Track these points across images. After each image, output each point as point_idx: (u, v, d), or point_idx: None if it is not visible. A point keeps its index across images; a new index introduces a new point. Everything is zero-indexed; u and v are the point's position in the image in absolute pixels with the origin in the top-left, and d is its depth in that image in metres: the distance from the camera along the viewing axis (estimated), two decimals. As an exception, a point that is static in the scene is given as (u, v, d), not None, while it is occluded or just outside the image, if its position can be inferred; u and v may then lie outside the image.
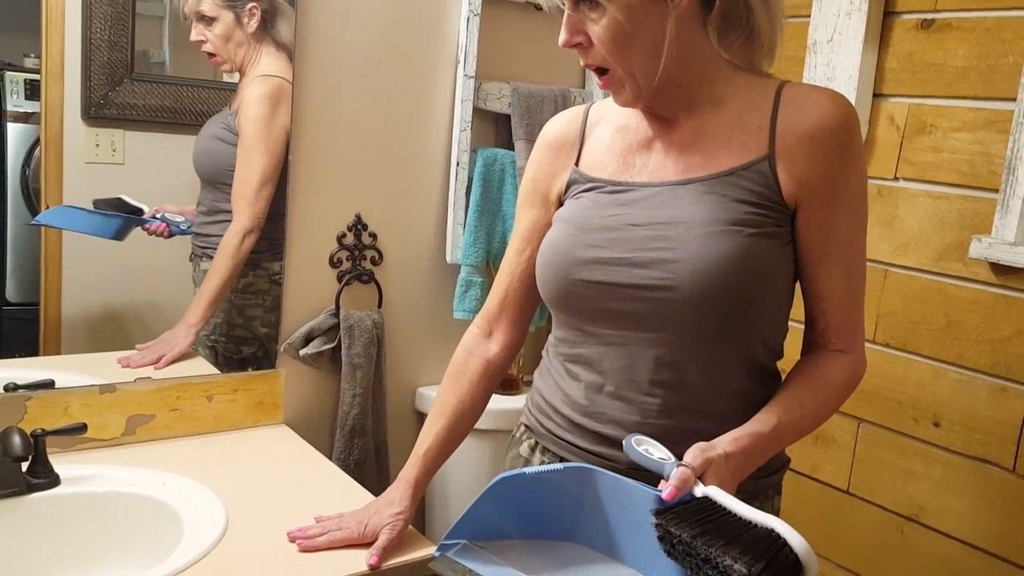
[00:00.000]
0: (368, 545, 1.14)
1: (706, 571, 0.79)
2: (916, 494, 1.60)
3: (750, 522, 0.81)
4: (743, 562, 0.76)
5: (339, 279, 1.69)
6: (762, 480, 1.01)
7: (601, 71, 0.98)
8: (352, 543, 1.15)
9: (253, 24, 1.50)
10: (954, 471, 1.55)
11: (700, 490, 0.84)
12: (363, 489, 1.37)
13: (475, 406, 1.18)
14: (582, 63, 0.99)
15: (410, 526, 1.22)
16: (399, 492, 1.17)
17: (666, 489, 0.84)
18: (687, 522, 0.81)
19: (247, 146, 1.53)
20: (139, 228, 1.49)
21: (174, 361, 1.51)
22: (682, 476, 0.84)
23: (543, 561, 0.91)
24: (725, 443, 0.91)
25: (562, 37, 0.96)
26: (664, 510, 0.83)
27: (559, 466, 0.95)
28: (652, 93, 0.98)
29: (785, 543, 0.78)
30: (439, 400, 1.20)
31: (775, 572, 0.76)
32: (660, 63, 0.94)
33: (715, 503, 0.83)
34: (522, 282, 1.15)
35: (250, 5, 1.49)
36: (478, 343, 1.20)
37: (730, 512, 0.82)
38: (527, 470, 0.94)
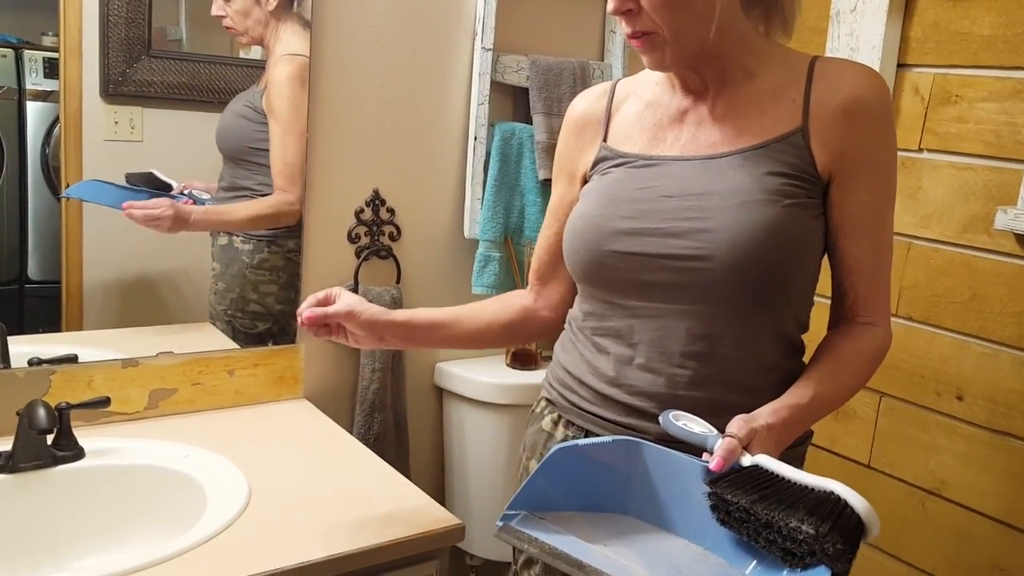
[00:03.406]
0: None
1: (766, 536, 0.79)
2: (938, 468, 1.59)
3: (807, 486, 0.81)
4: (809, 523, 0.76)
5: (357, 255, 1.69)
6: (788, 451, 1.01)
7: (640, 35, 0.96)
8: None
9: (272, 2, 1.49)
10: (977, 445, 1.53)
11: (748, 459, 0.85)
12: (383, 462, 1.38)
13: (495, 320, 1.17)
14: (627, 31, 0.96)
15: (430, 498, 1.22)
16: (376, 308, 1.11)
17: (713, 460, 0.84)
18: (742, 489, 0.82)
19: (285, 128, 1.55)
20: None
21: (172, 225, 1.49)
22: (729, 446, 0.85)
23: (601, 532, 0.91)
24: (766, 414, 0.91)
25: (612, 4, 0.94)
26: (716, 479, 0.84)
27: (608, 439, 0.96)
28: (690, 59, 0.97)
29: (846, 504, 0.79)
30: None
31: (840, 532, 0.76)
32: (712, 27, 0.94)
33: (766, 471, 0.84)
34: (552, 254, 1.16)
35: None
36: (524, 294, 1.21)
37: (784, 478, 0.83)
38: (580, 442, 0.95)
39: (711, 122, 1.00)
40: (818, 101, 0.96)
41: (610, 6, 0.95)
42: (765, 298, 0.96)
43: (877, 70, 1.56)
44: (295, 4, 1.53)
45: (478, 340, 1.18)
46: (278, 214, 1.58)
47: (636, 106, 1.07)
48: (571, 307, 1.13)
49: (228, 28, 1.50)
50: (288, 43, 1.53)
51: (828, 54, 1.64)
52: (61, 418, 1.25)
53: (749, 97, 0.99)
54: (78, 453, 1.26)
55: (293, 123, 1.55)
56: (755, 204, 0.93)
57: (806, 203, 0.96)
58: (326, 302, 1.08)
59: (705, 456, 0.87)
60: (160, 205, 1.47)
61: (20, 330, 1.42)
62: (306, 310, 1.07)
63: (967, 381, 1.54)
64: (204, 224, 1.55)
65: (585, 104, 1.13)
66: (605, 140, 1.08)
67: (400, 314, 1.12)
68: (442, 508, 1.23)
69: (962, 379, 1.55)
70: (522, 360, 1.83)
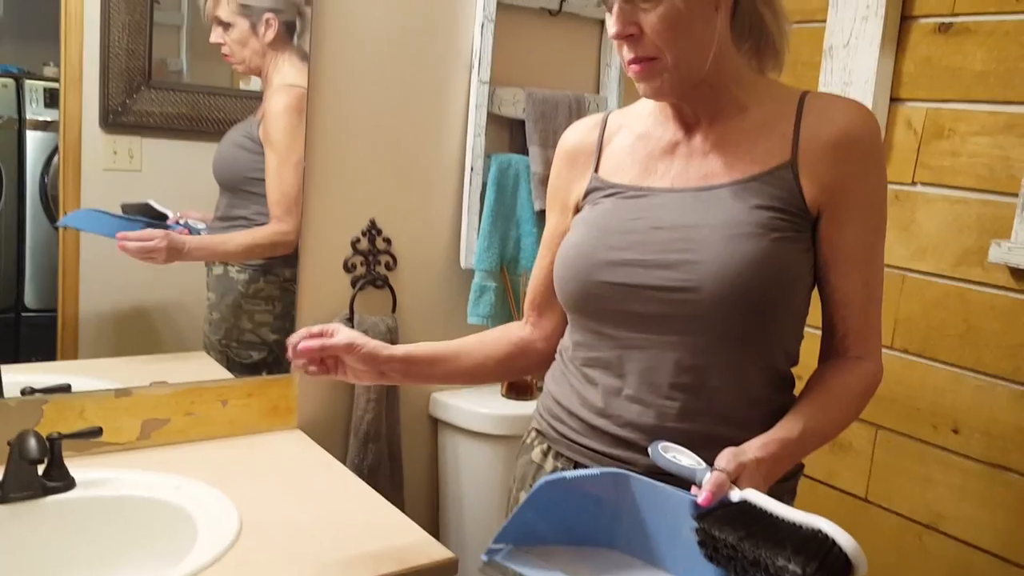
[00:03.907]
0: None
1: (753, 573, 0.78)
2: (935, 501, 1.58)
3: (795, 523, 0.81)
4: (796, 562, 0.76)
5: (353, 284, 1.69)
6: (779, 485, 1.00)
7: (641, 60, 0.96)
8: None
9: (270, 35, 1.51)
10: (973, 478, 1.53)
11: (737, 494, 0.84)
12: (376, 494, 1.37)
13: (492, 355, 1.17)
14: (629, 56, 0.96)
15: (424, 532, 1.22)
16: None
17: (701, 494, 0.84)
18: (730, 525, 0.81)
19: (282, 157, 1.55)
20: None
21: (167, 256, 1.49)
22: (717, 480, 0.84)
23: (588, 566, 0.91)
24: (755, 448, 0.90)
25: (615, 28, 0.94)
26: (704, 514, 0.83)
27: (596, 471, 0.95)
28: (687, 88, 0.98)
29: (834, 543, 0.78)
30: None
31: (827, 572, 0.76)
32: (710, 55, 0.95)
33: (755, 506, 0.83)
34: (546, 285, 1.16)
35: (266, 16, 1.50)
36: (519, 326, 1.22)
37: (773, 515, 0.82)
38: (567, 474, 0.94)
39: (702, 155, 1.01)
40: (807, 136, 0.97)
41: (612, 30, 0.95)
42: (753, 330, 0.96)
43: (870, 104, 1.58)
44: (294, 37, 1.54)
45: (477, 376, 1.18)
46: (274, 244, 1.59)
47: (628, 138, 1.08)
48: (561, 337, 1.14)
49: (226, 56, 1.51)
50: (286, 74, 1.54)
51: (822, 88, 1.66)
52: (52, 448, 1.24)
53: (740, 131, 1.00)
54: (69, 484, 1.25)
55: (290, 153, 1.56)
56: (743, 237, 0.94)
57: (794, 237, 0.96)
58: (321, 337, 1.07)
59: (693, 490, 0.86)
60: (154, 236, 1.47)
61: (15, 358, 1.42)
62: (300, 342, 1.04)
63: (963, 414, 1.54)
64: (199, 254, 1.56)
65: (577, 135, 1.14)
66: (597, 171, 1.09)
67: (400, 349, 1.11)
68: (435, 542, 1.22)
69: (958, 412, 1.54)
70: (518, 390, 1.83)
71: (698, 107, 1.01)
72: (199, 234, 1.53)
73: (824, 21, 1.67)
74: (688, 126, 1.03)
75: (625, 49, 0.96)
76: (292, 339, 1.06)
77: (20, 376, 1.39)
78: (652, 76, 0.97)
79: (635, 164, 1.06)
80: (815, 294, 1.04)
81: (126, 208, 1.46)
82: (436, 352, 1.14)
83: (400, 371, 1.10)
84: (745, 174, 0.98)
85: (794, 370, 1.05)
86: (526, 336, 1.20)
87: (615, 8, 0.94)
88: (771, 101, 1.01)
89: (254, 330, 1.61)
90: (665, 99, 1.02)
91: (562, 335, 1.15)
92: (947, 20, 1.54)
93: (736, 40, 1.01)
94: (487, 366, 1.17)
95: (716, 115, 1.01)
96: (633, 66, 0.97)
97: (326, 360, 1.07)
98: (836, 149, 0.96)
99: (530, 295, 1.21)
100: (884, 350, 1.63)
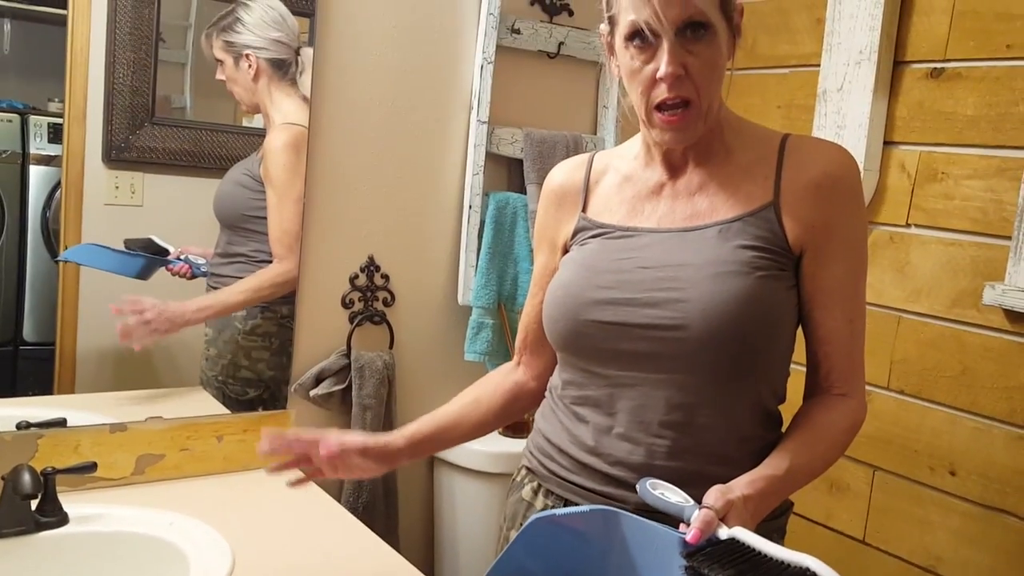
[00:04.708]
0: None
1: None
2: (933, 544, 1.57)
3: (782, 561, 0.81)
4: None
5: (351, 320, 1.70)
6: (767, 523, 1.00)
7: (677, 105, 0.95)
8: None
9: (250, 72, 1.53)
10: (971, 521, 1.52)
11: (725, 532, 0.84)
12: (371, 532, 1.36)
13: (490, 409, 1.18)
14: (667, 95, 0.94)
15: (418, 572, 1.21)
16: (382, 437, 1.11)
17: (690, 532, 0.84)
18: (718, 563, 0.81)
19: (281, 194, 1.57)
20: (163, 269, 1.51)
21: (158, 331, 1.50)
22: (705, 518, 0.84)
23: None
24: (742, 486, 0.91)
25: (666, 68, 0.92)
26: (692, 552, 0.83)
27: (585, 508, 0.95)
28: (703, 132, 1.00)
29: None
30: (458, 396, 1.19)
31: None
32: (721, 99, 0.99)
33: (743, 544, 0.83)
34: (537, 323, 1.16)
35: (246, 51, 1.52)
36: (510, 369, 1.22)
37: (760, 553, 0.82)
38: (557, 511, 0.94)
39: (687, 196, 1.03)
40: (789, 178, 0.99)
41: (663, 70, 0.92)
42: (740, 368, 0.97)
43: (864, 147, 1.60)
44: (289, 74, 1.56)
45: (480, 432, 1.19)
46: (278, 285, 1.59)
47: (614, 178, 1.10)
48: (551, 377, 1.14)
49: (231, 92, 1.54)
50: (286, 112, 1.56)
51: (815, 132, 1.68)
52: (46, 483, 1.24)
53: (724, 173, 1.02)
54: (62, 519, 1.25)
55: (289, 190, 1.57)
56: (728, 275, 0.95)
57: (778, 275, 0.98)
58: (313, 446, 1.06)
59: (682, 527, 0.86)
60: (143, 307, 1.47)
61: (12, 392, 1.43)
62: (323, 448, 1.04)
63: (960, 456, 1.53)
64: (203, 315, 1.56)
65: (562, 175, 1.15)
66: (584, 211, 1.10)
67: (404, 435, 1.12)
68: (429, 581, 1.21)
69: (955, 454, 1.54)
70: (515, 428, 1.82)
71: (692, 150, 1.03)
72: (200, 269, 1.54)
73: (818, 65, 1.69)
74: (674, 168, 1.05)
75: (661, 88, 0.94)
76: (280, 443, 1.05)
77: (16, 410, 1.39)
78: (687, 124, 0.96)
79: (622, 205, 1.07)
80: (800, 331, 1.05)
81: (129, 243, 1.47)
82: (438, 425, 1.15)
83: (408, 456, 1.12)
84: (730, 215, 1.00)
85: (781, 407, 1.06)
86: (519, 379, 1.20)
87: (665, 47, 0.92)
88: (754, 143, 1.03)
89: (250, 367, 1.61)
90: (688, 143, 1.01)
91: (549, 374, 1.16)
92: (939, 66, 1.57)
93: None
94: (488, 421, 1.19)
95: (704, 157, 1.03)
96: (666, 114, 0.95)
97: (316, 461, 1.07)
98: (818, 190, 0.98)
99: (521, 334, 1.21)
100: (880, 391, 1.64)
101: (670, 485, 0.93)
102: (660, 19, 0.91)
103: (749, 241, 0.97)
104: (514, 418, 1.24)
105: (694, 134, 0.99)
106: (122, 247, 1.46)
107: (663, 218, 1.03)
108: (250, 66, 1.53)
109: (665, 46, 0.92)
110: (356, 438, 1.08)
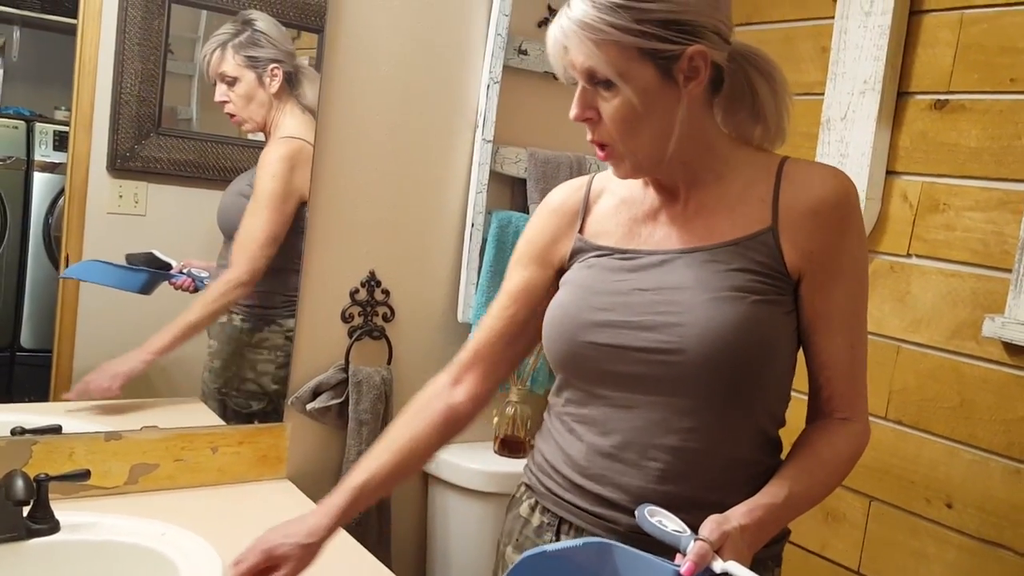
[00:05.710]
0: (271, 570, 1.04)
1: None
2: (928, 577, 1.56)
3: None
4: None
5: (350, 334, 1.69)
6: (764, 551, 0.99)
7: (600, 144, 0.99)
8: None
9: (275, 85, 1.53)
10: (967, 555, 1.51)
11: (719, 565, 0.84)
12: (363, 548, 1.35)
13: (428, 448, 1.13)
14: (589, 138, 1.00)
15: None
16: (321, 522, 1.06)
17: (684, 564, 0.83)
18: None
19: (260, 202, 1.55)
20: (166, 283, 1.50)
21: (125, 381, 1.47)
22: (700, 551, 0.84)
23: None
24: (739, 515, 0.90)
25: (573, 111, 0.98)
26: None
27: (578, 542, 0.94)
28: (652, 171, 1.01)
29: None
30: (391, 434, 1.12)
31: None
32: (669, 145, 0.97)
33: None
34: (500, 338, 1.13)
35: (272, 66, 1.52)
36: (444, 388, 1.16)
37: None
38: (547, 547, 0.93)
39: (683, 220, 1.03)
40: (787, 203, 0.99)
41: (572, 113, 0.98)
42: (738, 392, 0.97)
43: (866, 176, 1.61)
44: (293, 87, 1.56)
45: (420, 466, 1.16)
46: (231, 291, 1.54)
47: (611, 201, 1.10)
48: (488, 403, 1.15)
49: (231, 116, 1.53)
50: (287, 127, 1.56)
51: (819, 159, 1.69)
52: (39, 490, 1.23)
53: (719, 197, 1.02)
54: (53, 526, 1.24)
55: (271, 199, 1.55)
56: (725, 299, 0.95)
57: (776, 300, 0.97)
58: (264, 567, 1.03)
59: (677, 558, 0.85)
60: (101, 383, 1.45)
61: (8, 398, 1.42)
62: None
63: (957, 488, 1.53)
64: (167, 342, 1.50)
65: (563, 195, 1.14)
66: (582, 232, 1.10)
67: (333, 508, 1.06)
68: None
69: (952, 486, 1.53)
70: (511, 447, 1.82)
71: (674, 178, 1.03)
72: (203, 283, 1.53)
73: (822, 94, 1.70)
74: (669, 193, 1.05)
75: (587, 129, 0.99)
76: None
77: (11, 416, 1.39)
78: (614, 160, 1.00)
79: (619, 227, 1.07)
80: (800, 356, 1.04)
81: (131, 258, 1.46)
82: (372, 477, 1.08)
83: (352, 515, 1.09)
84: (726, 238, 0.99)
85: (781, 432, 1.05)
86: (454, 402, 1.14)
87: (577, 90, 0.97)
88: (749, 168, 1.02)
89: (256, 379, 1.60)
90: (634, 178, 1.05)
91: (485, 402, 1.15)
92: (943, 97, 1.58)
93: (732, 110, 1.03)
94: (425, 457, 1.14)
95: (694, 184, 1.03)
96: (596, 149, 1.00)
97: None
98: (816, 216, 0.97)
99: (472, 349, 1.15)
100: (878, 421, 1.63)
101: (667, 513, 0.93)
102: (567, 66, 0.97)
103: (747, 265, 0.97)
104: (448, 440, 1.16)
105: (635, 171, 1.01)
106: (123, 259, 1.46)
107: (660, 241, 1.03)
108: (273, 79, 1.52)
109: (578, 89, 0.97)
110: (279, 550, 1.03)
